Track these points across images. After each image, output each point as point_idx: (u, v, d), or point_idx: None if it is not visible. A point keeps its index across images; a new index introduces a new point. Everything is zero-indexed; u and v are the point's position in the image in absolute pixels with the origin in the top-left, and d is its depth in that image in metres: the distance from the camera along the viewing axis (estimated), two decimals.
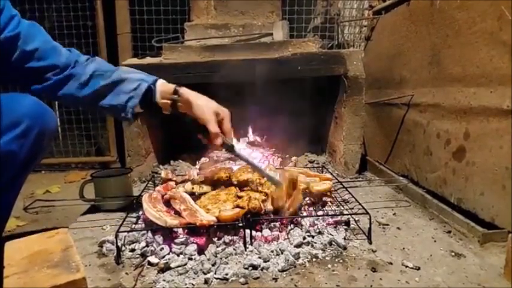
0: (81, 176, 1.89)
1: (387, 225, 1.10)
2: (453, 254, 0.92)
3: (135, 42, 1.96)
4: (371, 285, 0.80)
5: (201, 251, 0.92)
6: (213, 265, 0.86)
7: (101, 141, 2.17)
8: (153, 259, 0.89)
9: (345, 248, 0.94)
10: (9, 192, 0.89)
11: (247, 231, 0.94)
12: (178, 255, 0.90)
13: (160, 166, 1.64)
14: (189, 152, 1.72)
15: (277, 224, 1.01)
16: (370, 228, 0.99)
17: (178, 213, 0.99)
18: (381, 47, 1.70)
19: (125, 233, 0.98)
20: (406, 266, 0.87)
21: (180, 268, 0.85)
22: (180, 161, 1.67)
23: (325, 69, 1.52)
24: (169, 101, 1.00)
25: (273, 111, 1.58)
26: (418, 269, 0.86)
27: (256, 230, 0.99)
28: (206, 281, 0.81)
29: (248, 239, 0.93)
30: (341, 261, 0.89)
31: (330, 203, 1.17)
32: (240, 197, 1.02)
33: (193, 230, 0.95)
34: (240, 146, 1.53)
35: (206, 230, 0.95)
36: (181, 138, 1.75)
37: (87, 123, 2.10)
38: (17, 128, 0.82)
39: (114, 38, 1.94)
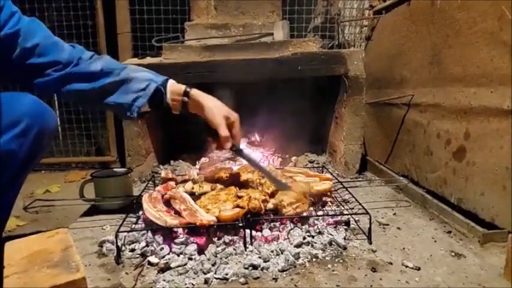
0: (81, 175, 1.89)
1: (387, 225, 1.10)
2: (453, 254, 0.92)
3: (135, 42, 1.96)
4: (371, 285, 0.80)
5: (201, 251, 0.92)
6: (213, 265, 0.86)
7: (101, 141, 2.17)
8: (153, 259, 0.89)
9: (345, 248, 0.94)
10: (9, 191, 0.88)
11: (247, 231, 0.94)
12: (178, 255, 0.90)
13: (161, 166, 1.64)
14: (189, 152, 1.72)
15: (277, 224, 1.01)
16: (370, 228, 0.99)
17: (178, 213, 0.99)
18: (382, 47, 1.70)
19: (125, 233, 0.98)
20: (406, 266, 0.87)
21: (180, 268, 0.85)
22: (180, 161, 1.67)
23: (326, 69, 1.52)
24: (179, 102, 1.01)
25: (273, 111, 1.57)
26: (418, 269, 0.86)
27: (256, 230, 0.99)
28: (206, 281, 0.81)
29: (248, 239, 0.93)
30: (341, 261, 0.89)
31: (330, 203, 1.17)
32: (240, 197, 1.02)
33: (193, 230, 0.95)
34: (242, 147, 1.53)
35: (206, 230, 0.95)
36: (181, 138, 1.75)
37: (87, 123, 2.10)
38: (16, 127, 0.81)
39: (114, 38, 1.94)
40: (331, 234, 0.99)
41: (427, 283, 0.80)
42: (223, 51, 1.52)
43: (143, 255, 0.92)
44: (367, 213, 1.00)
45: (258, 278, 0.83)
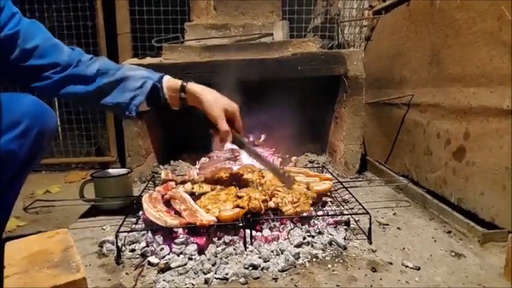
0: (81, 176, 1.89)
1: (387, 225, 1.10)
2: (453, 254, 0.92)
3: (135, 42, 1.96)
4: (371, 285, 0.80)
5: (201, 251, 0.92)
6: (213, 265, 0.86)
7: (101, 141, 2.17)
8: (153, 259, 0.89)
9: (345, 248, 0.94)
10: (9, 192, 0.88)
11: (247, 231, 0.94)
12: (178, 255, 0.90)
13: (161, 166, 1.64)
14: (189, 152, 1.72)
15: (278, 223, 1.01)
16: (370, 228, 0.99)
17: (178, 213, 0.99)
18: (381, 47, 1.70)
19: (125, 233, 0.98)
20: (406, 266, 0.87)
21: (180, 268, 0.85)
22: (180, 161, 1.67)
23: (326, 69, 1.52)
24: (177, 97, 1.00)
25: (273, 111, 1.57)
26: (418, 269, 0.86)
27: (256, 230, 0.99)
28: (206, 281, 0.81)
29: (248, 239, 0.93)
30: (341, 261, 0.89)
31: (330, 203, 1.17)
32: (240, 197, 1.02)
33: (193, 230, 0.95)
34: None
35: (206, 230, 0.95)
36: (181, 138, 1.75)
37: (87, 123, 2.10)
38: (16, 128, 0.81)
39: (114, 38, 1.94)
40: (331, 234, 0.99)
41: (427, 283, 0.80)
42: (223, 52, 1.53)
43: (143, 255, 0.92)
44: (367, 213, 1.00)
45: (258, 278, 0.83)
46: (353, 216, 1.08)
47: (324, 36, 2.02)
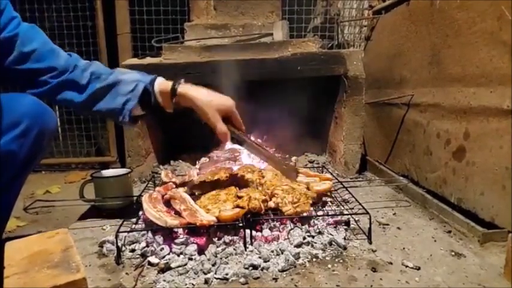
0: (81, 176, 1.89)
1: (387, 225, 1.10)
2: (453, 253, 0.92)
3: (135, 43, 1.96)
4: (371, 285, 0.80)
5: (201, 251, 0.92)
6: (213, 265, 0.86)
7: (101, 141, 2.17)
8: (153, 259, 0.89)
9: (345, 248, 0.94)
10: (9, 192, 0.89)
11: (247, 231, 0.94)
12: (178, 256, 0.90)
13: (160, 166, 1.64)
14: (189, 152, 1.72)
15: (278, 224, 1.01)
16: (370, 228, 0.99)
17: (178, 214, 0.99)
18: (381, 47, 1.70)
19: (125, 233, 0.98)
20: (406, 266, 0.87)
21: (180, 268, 0.85)
22: (180, 161, 1.67)
23: (325, 69, 1.52)
24: (169, 100, 0.98)
25: (273, 111, 1.58)
26: (418, 268, 0.86)
27: (256, 230, 0.99)
28: (206, 281, 0.81)
29: (248, 239, 0.93)
30: (341, 261, 0.89)
31: (330, 203, 1.17)
32: (240, 197, 1.02)
33: (193, 230, 0.95)
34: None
35: (206, 230, 0.95)
36: (181, 138, 1.75)
37: (87, 123, 2.10)
38: (16, 128, 0.82)
39: (114, 38, 1.94)
40: (331, 234, 0.99)
41: (427, 283, 0.80)
42: (223, 52, 1.53)
43: (143, 255, 0.92)
44: (367, 213, 1.00)
45: (258, 278, 0.83)
46: (353, 216, 1.08)
47: (324, 36, 2.02)
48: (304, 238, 0.96)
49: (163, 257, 0.90)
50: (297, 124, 1.60)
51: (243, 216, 0.96)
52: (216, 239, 0.95)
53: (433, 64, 1.26)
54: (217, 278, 0.82)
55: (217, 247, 0.92)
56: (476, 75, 1.05)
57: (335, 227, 1.03)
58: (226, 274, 0.83)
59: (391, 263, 0.88)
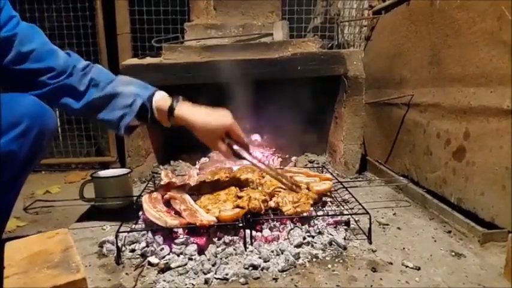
0: (81, 176, 1.89)
1: (387, 225, 1.10)
2: (453, 253, 0.92)
3: (135, 43, 1.96)
4: (371, 285, 0.80)
5: (201, 251, 0.92)
6: (213, 265, 0.86)
7: (101, 141, 2.17)
8: (153, 259, 0.89)
9: (345, 248, 0.94)
10: (9, 192, 0.89)
11: (247, 231, 0.94)
12: (178, 256, 0.90)
13: (160, 166, 1.64)
14: (189, 152, 1.71)
15: (278, 224, 1.01)
16: (370, 228, 0.99)
17: (178, 214, 0.99)
18: (381, 47, 1.70)
19: (125, 233, 0.98)
20: (406, 266, 0.87)
21: (180, 268, 0.85)
22: (180, 161, 1.67)
23: (325, 69, 1.52)
24: (166, 119, 0.98)
25: (273, 111, 1.58)
26: (418, 269, 0.86)
27: (256, 230, 0.99)
28: (206, 281, 0.81)
29: (248, 239, 0.93)
30: (341, 261, 0.89)
31: (330, 203, 1.17)
32: (240, 197, 1.02)
33: (193, 230, 0.95)
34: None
35: (206, 230, 0.95)
36: (181, 138, 1.75)
37: (87, 123, 2.10)
38: (16, 128, 0.82)
39: (114, 38, 1.94)
40: (331, 234, 0.99)
41: (427, 283, 0.80)
42: (223, 52, 1.52)
43: (143, 255, 0.92)
44: (367, 213, 1.00)
45: (258, 278, 0.83)
46: (353, 216, 1.08)
47: (324, 36, 2.02)
48: (304, 238, 0.96)
49: (163, 257, 0.90)
50: (297, 124, 1.60)
51: (243, 216, 0.96)
52: (216, 239, 0.95)
53: (433, 64, 1.26)
54: (217, 278, 0.82)
55: (217, 247, 0.92)
56: (476, 75, 1.05)
57: (335, 227, 1.03)
58: (226, 274, 0.83)
59: (391, 263, 0.88)
